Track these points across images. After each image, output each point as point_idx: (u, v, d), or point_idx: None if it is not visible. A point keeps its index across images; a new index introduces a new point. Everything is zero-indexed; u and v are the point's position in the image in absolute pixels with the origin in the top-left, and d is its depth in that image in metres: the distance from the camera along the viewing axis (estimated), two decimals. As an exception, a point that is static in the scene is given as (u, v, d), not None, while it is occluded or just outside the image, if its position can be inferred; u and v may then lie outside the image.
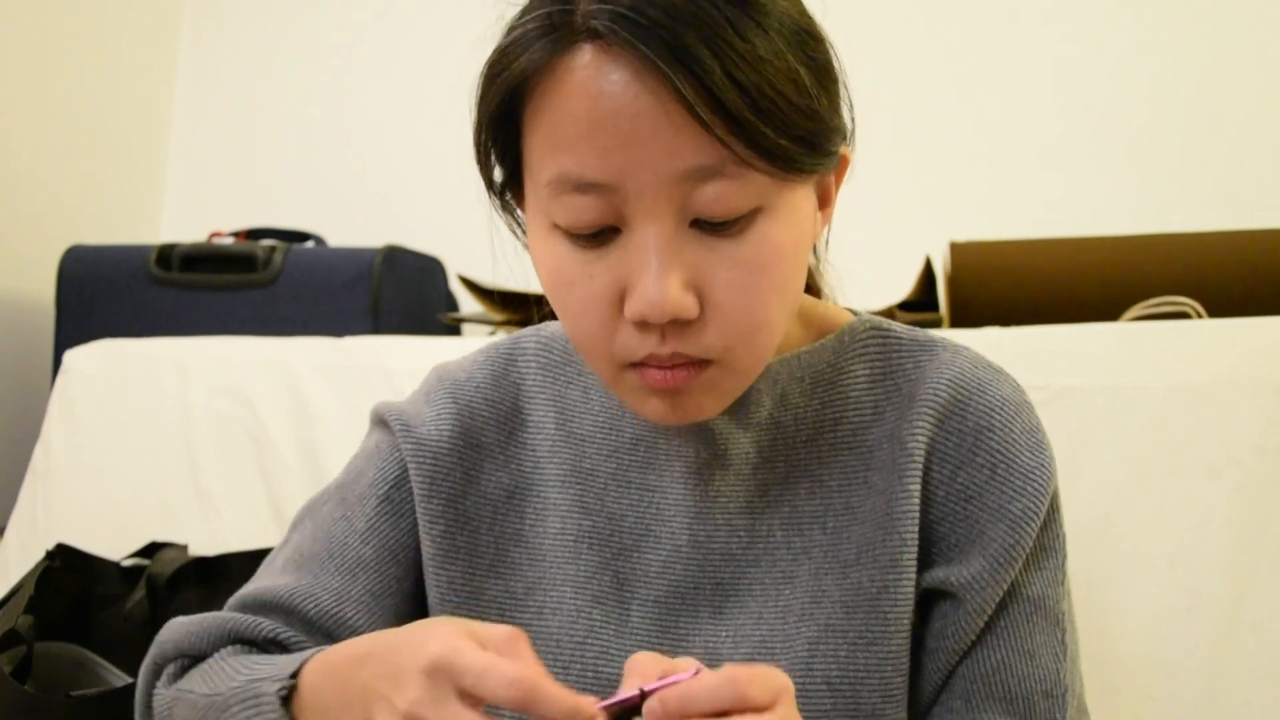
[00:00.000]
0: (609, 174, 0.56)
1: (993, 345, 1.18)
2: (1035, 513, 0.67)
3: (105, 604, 1.13)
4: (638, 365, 0.61)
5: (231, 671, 0.63)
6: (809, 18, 0.61)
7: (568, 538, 0.70)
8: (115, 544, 1.20)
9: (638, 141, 0.55)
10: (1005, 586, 0.66)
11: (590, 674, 0.65)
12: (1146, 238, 1.31)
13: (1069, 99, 1.73)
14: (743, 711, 0.48)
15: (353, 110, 2.08)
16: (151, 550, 1.19)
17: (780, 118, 0.56)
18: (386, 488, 0.73)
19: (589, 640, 0.67)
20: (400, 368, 1.34)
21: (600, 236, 0.59)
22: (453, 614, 0.69)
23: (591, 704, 0.48)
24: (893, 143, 1.76)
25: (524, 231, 0.68)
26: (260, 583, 0.72)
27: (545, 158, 0.59)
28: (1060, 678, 0.67)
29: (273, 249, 1.64)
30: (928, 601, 0.68)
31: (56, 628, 1.05)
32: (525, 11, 0.60)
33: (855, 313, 0.75)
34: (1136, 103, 1.70)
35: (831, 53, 0.62)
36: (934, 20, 1.80)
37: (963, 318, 1.32)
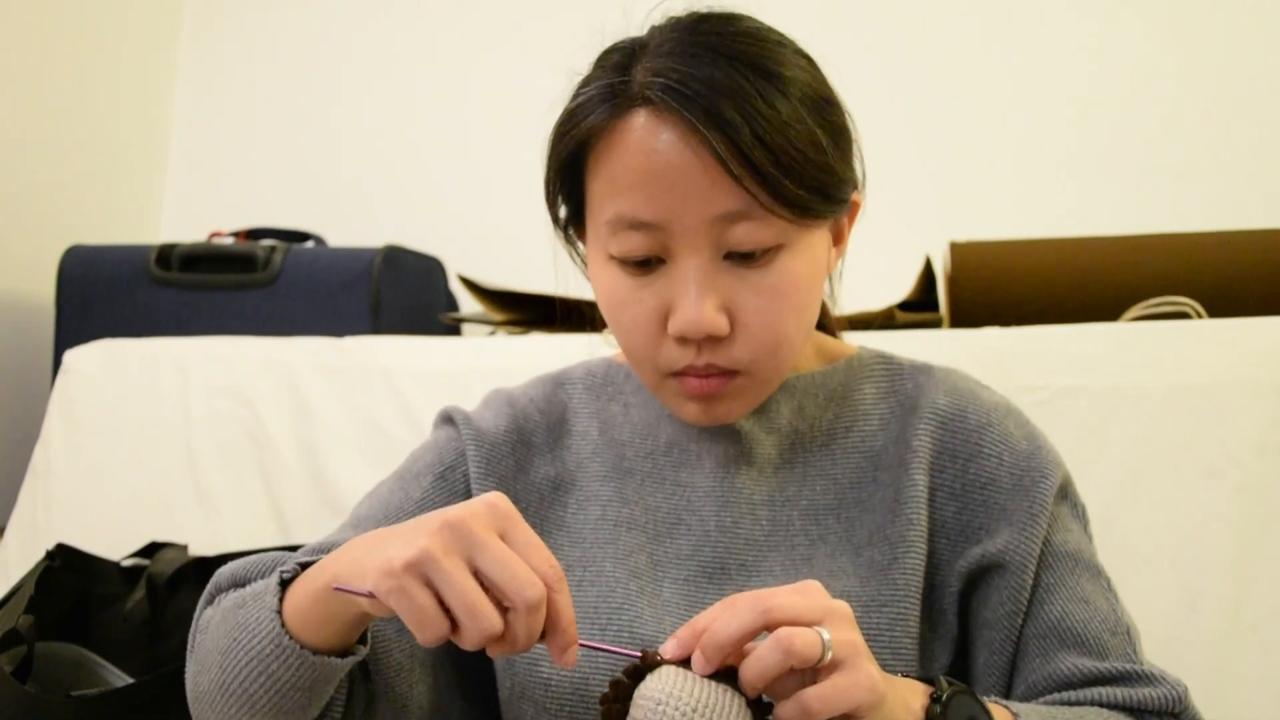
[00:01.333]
0: (657, 215, 0.68)
1: (993, 345, 1.18)
2: (1045, 483, 0.75)
3: (105, 604, 1.13)
4: (678, 374, 0.72)
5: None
6: (827, 86, 0.73)
7: (608, 523, 0.78)
8: (115, 544, 1.20)
9: (681, 189, 0.67)
10: (1039, 544, 0.73)
11: (626, 634, 0.72)
12: (1146, 238, 1.31)
13: (1069, 100, 1.73)
14: (778, 625, 0.52)
15: (353, 110, 2.08)
16: (151, 550, 1.19)
17: (799, 172, 0.67)
18: (443, 469, 0.81)
19: (625, 606, 0.73)
20: (400, 368, 1.34)
21: (648, 265, 0.71)
22: None
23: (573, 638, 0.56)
24: (893, 143, 1.76)
25: (583, 261, 0.79)
26: (320, 538, 0.77)
27: (605, 201, 0.71)
28: (1120, 617, 0.73)
29: (273, 249, 1.64)
30: (977, 582, 0.75)
31: (57, 627, 1.05)
32: (588, 80, 0.73)
33: (861, 347, 0.87)
34: (1136, 103, 1.70)
35: (846, 116, 0.73)
36: (935, 21, 1.80)
37: (963, 318, 1.32)
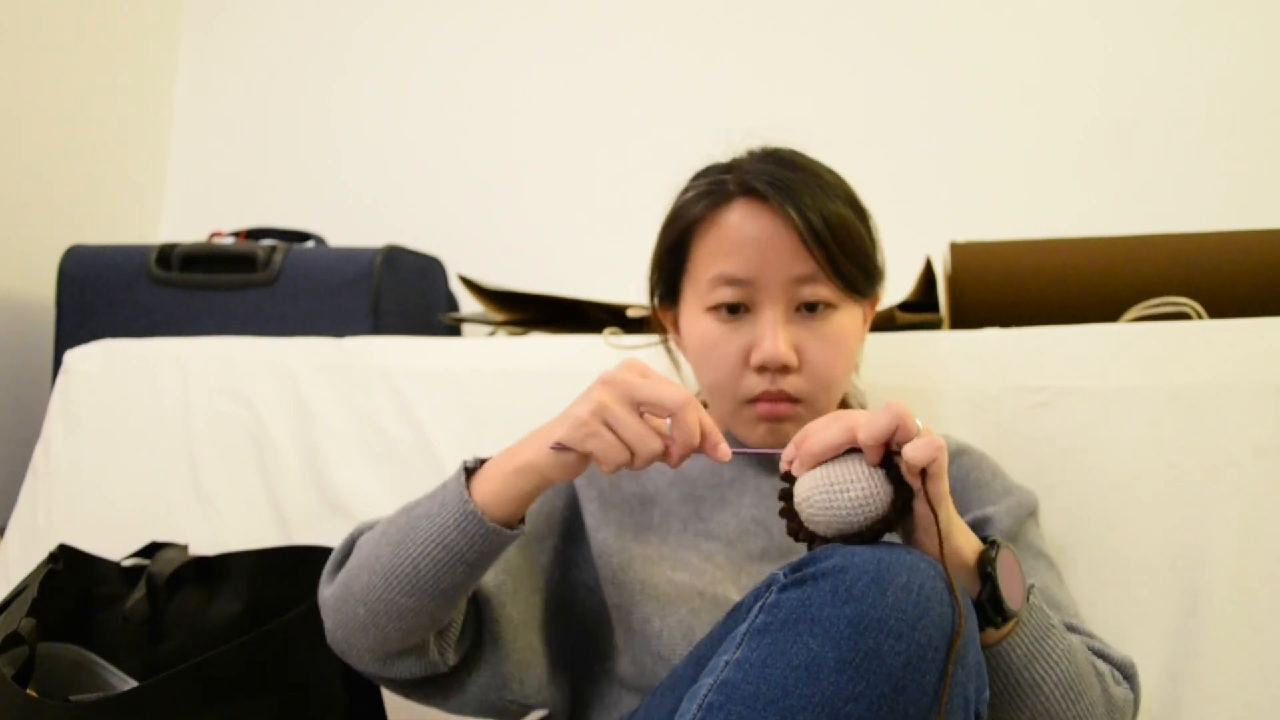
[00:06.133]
0: (749, 273, 0.90)
1: (993, 345, 1.18)
2: (1027, 496, 0.98)
3: (105, 604, 1.13)
4: (752, 401, 0.91)
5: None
6: (861, 201, 0.95)
7: (689, 532, 0.96)
8: (115, 544, 1.20)
9: (770, 255, 0.89)
10: (1019, 515, 0.94)
11: (709, 595, 0.89)
12: (1146, 238, 1.31)
13: (1070, 101, 1.73)
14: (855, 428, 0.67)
15: (353, 110, 2.08)
16: (151, 550, 1.19)
17: (850, 252, 0.90)
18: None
19: (714, 584, 0.91)
20: (400, 368, 1.34)
21: (737, 313, 0.91)
22: (611, 560, 0.94)
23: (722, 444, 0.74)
24: (893, 143, 1.76)
25: (670, 327, 1.02)
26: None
27: (710, 264, 0.92)
28: (1076, 604, 0.91)
29: (273, 249, 1.64)
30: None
31: (57, 628, 1.05)
32: (689, 188, 0.96)
33: None
34: (1136, 104, 1.70)
35: (874, 223, 0.95)
36: (936, 22, 1.80)
37: (963, 318, 1.32)
